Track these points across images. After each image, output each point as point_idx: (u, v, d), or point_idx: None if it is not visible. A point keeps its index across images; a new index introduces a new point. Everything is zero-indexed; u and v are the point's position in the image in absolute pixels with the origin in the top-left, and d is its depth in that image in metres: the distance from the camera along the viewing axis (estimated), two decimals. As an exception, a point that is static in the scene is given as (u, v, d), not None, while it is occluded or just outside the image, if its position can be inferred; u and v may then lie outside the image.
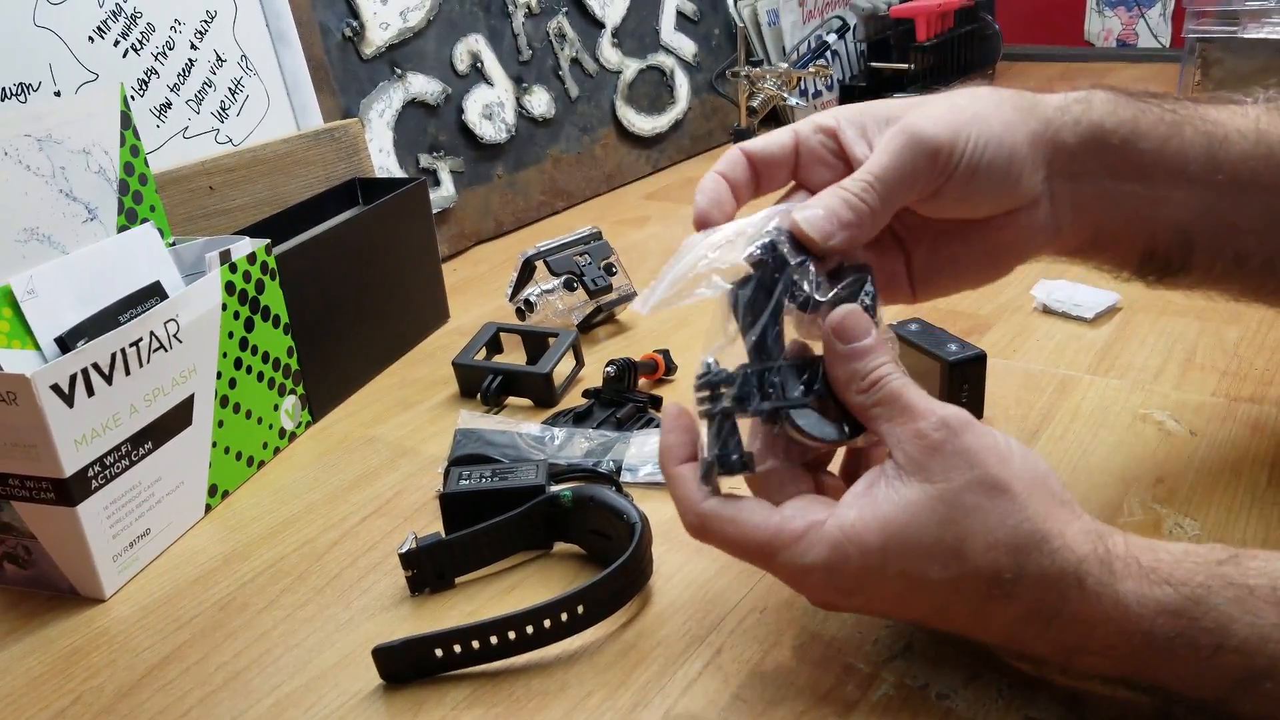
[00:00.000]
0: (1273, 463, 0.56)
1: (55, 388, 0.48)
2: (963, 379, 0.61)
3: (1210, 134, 0.48)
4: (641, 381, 0.70)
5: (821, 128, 0.45)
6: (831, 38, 1.34)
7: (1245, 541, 0.50)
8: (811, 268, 0.41)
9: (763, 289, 0.41)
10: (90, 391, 0.50)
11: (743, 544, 0.40)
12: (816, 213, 0.42)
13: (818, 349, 0.42)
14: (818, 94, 1.39)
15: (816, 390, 0.41)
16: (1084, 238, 0.49)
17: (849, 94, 1.43)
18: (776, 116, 1.34)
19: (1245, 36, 1.14)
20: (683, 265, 0.41)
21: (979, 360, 0.61)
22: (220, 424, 0.60)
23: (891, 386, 0.39)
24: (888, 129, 0.43)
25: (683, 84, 1.27)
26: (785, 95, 1.20)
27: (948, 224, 0.47)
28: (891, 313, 0.76)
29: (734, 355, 0.41)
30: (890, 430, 0.39)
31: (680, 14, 1.27)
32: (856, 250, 0.43)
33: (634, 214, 1.11)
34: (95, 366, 0.51)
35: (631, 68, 1.20)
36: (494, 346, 0.75)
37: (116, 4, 0.72)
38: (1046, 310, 0.77)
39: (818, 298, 0.41)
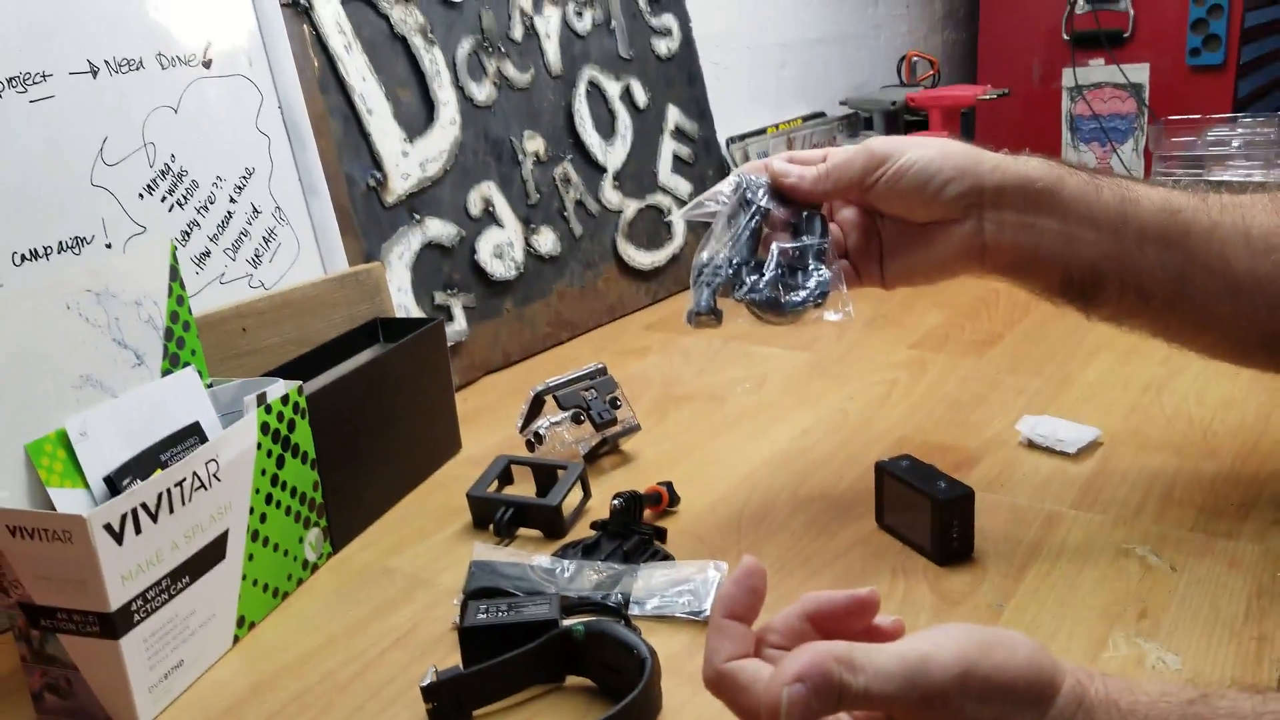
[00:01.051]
0: (1249, 597, 0.59)
1: (108, 527, 0.52)
2: (952, 516, 0.65)
3: (1124, 196, 0.62)
4: (646, 513, 0.73)
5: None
6: (820, 178, 1.42)
7: (1225, 675, 0.53)
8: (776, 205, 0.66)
9: (744, 205, 0.65)
10: (138, 530, 0.54)
11: (750, 716, 0.41)
12: (784, 163, 0.66)
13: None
14: (808, 229, 1.46)
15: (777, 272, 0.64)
16: (1010, 259, 0.65)
17: (837, 229, 1.51)
18: (769, 251, 1.41)
19: (1210, 179, 1.23)
20: (699, 198, 0.68)
21: (968, 498, 0.65)
22: (250, 557, 0.63)
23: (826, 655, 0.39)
24: None
25: (679, 222, 1.34)
26: (777, 233, 1.27)
27: (904, 229, 0.66)
28: (882, 448, 0.81)
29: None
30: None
31: (676, 157, 1.35)
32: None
33: (635, 344, 1.16)
34: (144, 506, 0.55)
35: (631, 207, 1.28)
36: (505, 478, 0.79)
37: (165, 164, 0.78)
38: (1031, 445, 0.81)
39: (776, 211, 0.66)
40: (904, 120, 1.57)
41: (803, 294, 0.64)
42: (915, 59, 1.77)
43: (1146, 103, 1.88)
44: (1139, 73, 1.88)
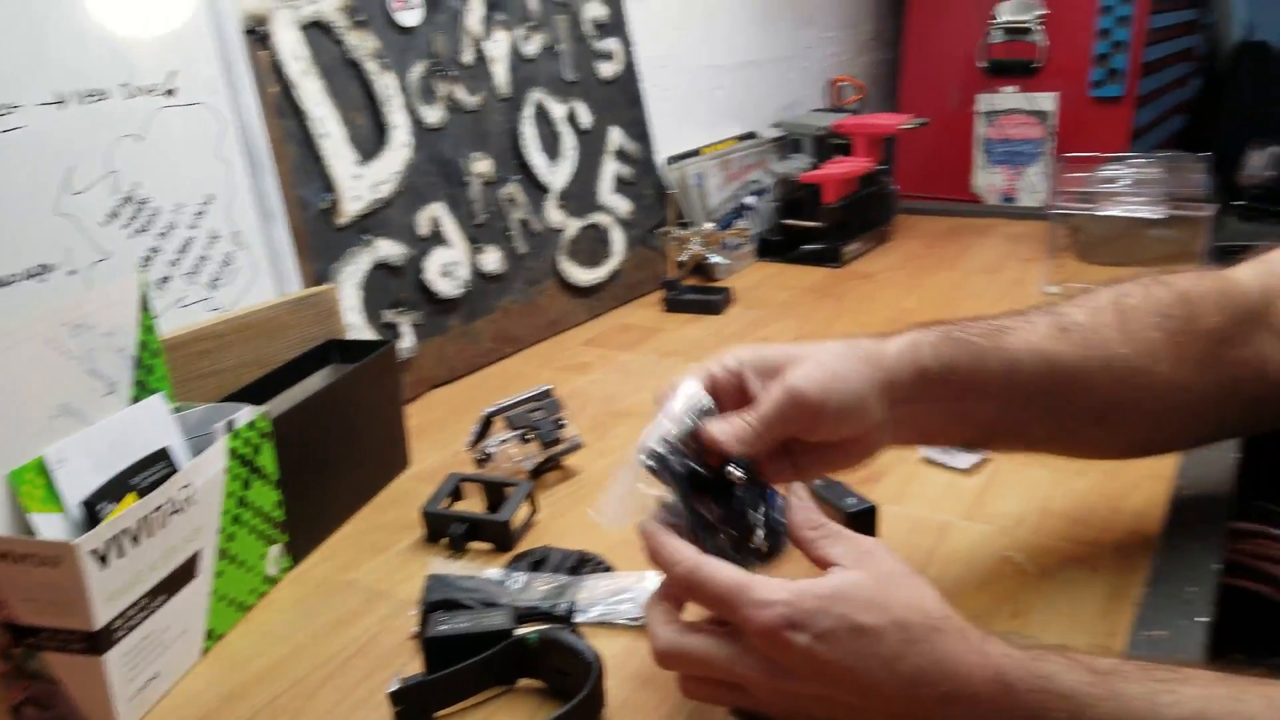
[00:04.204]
0: (1104, 597, 0.68)
1: (94, 552, 0.56)
2: (858, 528, 0.73)
3: (1007, 360, 0.66)
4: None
5: (728, 369, 0.63)
6: (750, 199, 1.50)
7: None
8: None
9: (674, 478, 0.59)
10: (121, 553, 0.58)
11: (718, 589, 0.52)
12: (723, 428, 0.60)
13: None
14: (738, 246, 1.53)
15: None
16: (915, 437, 0.69)
17: (766, 247, 1.59)
18: (703, 269, 1.48)
19: (1099, 214, 1.33)
20: (623, 481, 0.60)
21: (872, 512, 0.75)
22: (219, 574, 0.67)
23: (833, 527, 0.56)
24: (776, 378, 0.62)
25: (618, 239, 1.40)
26: (709, 255, 1.34)
27: (819, 443, 0.65)
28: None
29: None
30: (832, 547, 0.54)
31: (618, 178, 1.41)
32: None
33: (576, 360, 1.22)
34: (126, 531, 0.58)
35: (573, 226, 1.33)
36: (456, 494, 0.84)
37: (128, 193, 0.81)
38: (929, 461, 0.89)
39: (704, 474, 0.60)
40: (830, 143, 1.65)
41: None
42: (843, 83, 1.86)
43: (1054, 129, 2.00)
44: (1047, 101, 2.00)
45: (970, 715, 0.49)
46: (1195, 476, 0.82)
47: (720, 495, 0.60)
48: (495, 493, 0.82)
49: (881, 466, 0.89)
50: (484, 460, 0.88)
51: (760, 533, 0.59)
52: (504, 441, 0.88)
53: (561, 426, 0.90)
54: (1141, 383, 0.67)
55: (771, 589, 0.51)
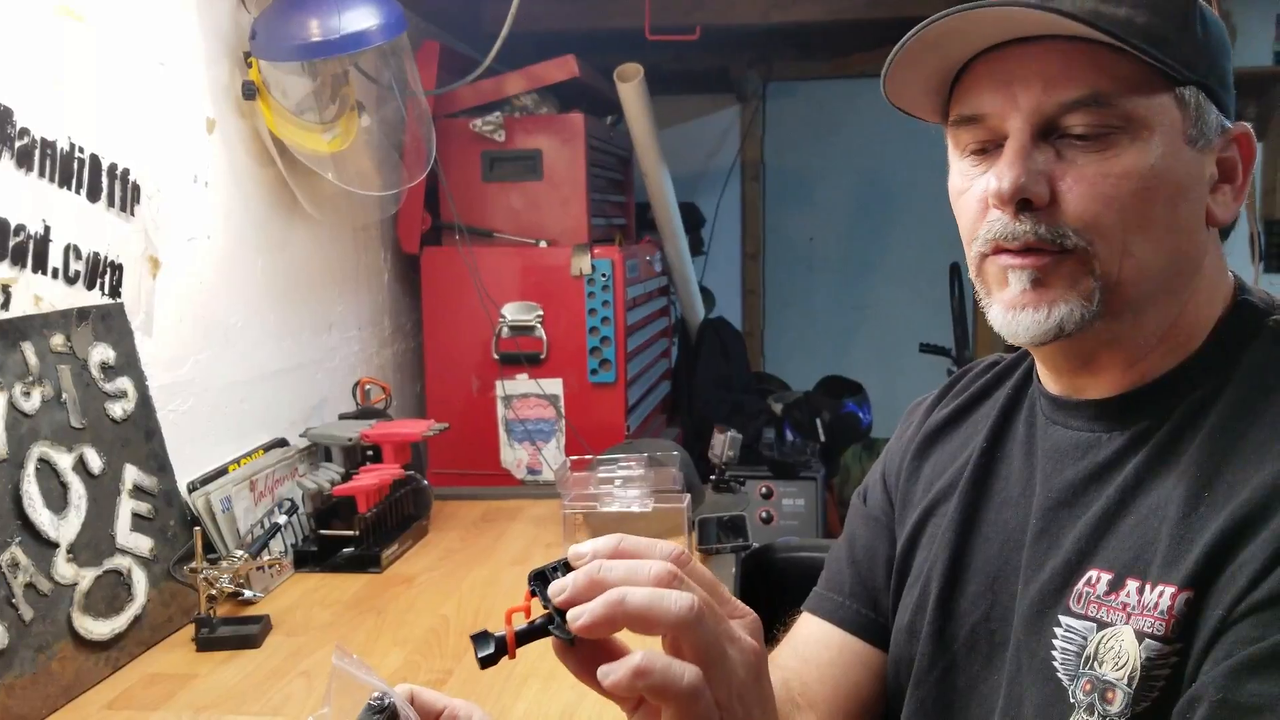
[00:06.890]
0: None
1: None
2: None
3: None
4: None
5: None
6: (282, 519, 1.53)
7: None
8: None
9: None
10: None
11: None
12: None
13: None
14: (274, 567, 1.55)
15: None
16: None
17: (303, 558, 1.62)
18: (238, 596, 1.46)
19: (600, 510, 1.57)
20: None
21: None
22: None
23: None
24: None
25: (140, 580, 1.35)
26: (243, 590, 1.34)
27: None
28: None
29: None
30: None
31: (135, 515, 1.37)
32: None
33: (94, 732, 1.14)
34: None
35: (88, 577, 1.26)
36: None
37: None
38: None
39: None
40: (361, 450, 1.76)
41: None
42: (369, 385, 1.99)
43: (562, 411, 2.31)
44: (554, 386, 2.31)
45: None
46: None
47: None
48: None
49: None
50: None
51: None
52: None
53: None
54: None
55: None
